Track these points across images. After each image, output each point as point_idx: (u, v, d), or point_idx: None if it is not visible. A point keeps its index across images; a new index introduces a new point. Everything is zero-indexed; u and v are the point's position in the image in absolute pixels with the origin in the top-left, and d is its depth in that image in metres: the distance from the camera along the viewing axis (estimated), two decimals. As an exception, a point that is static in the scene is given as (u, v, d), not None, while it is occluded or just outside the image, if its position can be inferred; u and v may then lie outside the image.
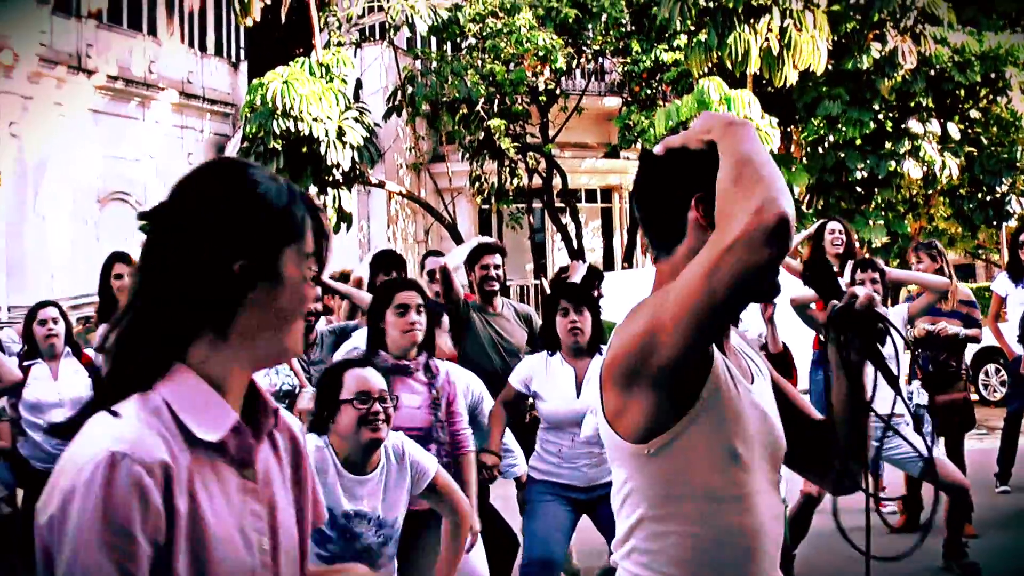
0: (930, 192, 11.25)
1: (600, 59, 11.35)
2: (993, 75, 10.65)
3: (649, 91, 10.44)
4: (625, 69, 10.38)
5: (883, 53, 10.01)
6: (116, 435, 0.90)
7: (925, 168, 10.25)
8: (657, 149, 1.26)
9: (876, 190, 10.45)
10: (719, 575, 1.19)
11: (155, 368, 0.97)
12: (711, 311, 1.08)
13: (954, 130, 10.49)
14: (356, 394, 2.20)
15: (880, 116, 10.25)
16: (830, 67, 9.73)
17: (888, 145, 10.25)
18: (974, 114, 11.23)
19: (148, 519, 0.88)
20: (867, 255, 6.06)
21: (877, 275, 3.94)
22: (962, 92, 10.86)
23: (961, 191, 11.28)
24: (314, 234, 1.03)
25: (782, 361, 4.20)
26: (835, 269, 4.32)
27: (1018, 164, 10.98)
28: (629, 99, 10.95)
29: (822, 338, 4.57)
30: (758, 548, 1.20)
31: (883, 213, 10.46)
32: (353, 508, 2.23)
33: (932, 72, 10.37)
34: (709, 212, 1.16)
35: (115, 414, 0.93)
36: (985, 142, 11.30)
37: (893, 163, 10.15)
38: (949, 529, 3.83)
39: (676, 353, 1.11)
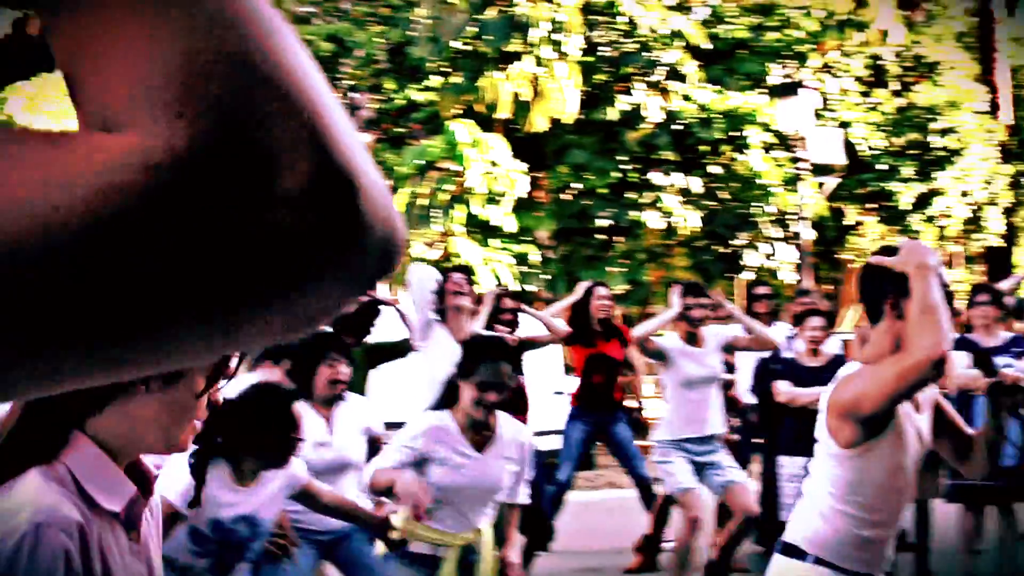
0: (670, 243, 13.80)
1: (353, 95, 12.85)
2: (735, 133, 13.33)
3: (400, 129, 12.10)
4: (378, 107, 11.98)
5: (631, 106, 12.33)
6: (36, 505, 1.25)
7: (666, 220, 12.68)
8: (873, 261, 2.79)
9: (618, 239, 12.78)
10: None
11: (59, 439, 1.32)
12: (896, 398, 2.56)
13: (696, 184, 13.00)
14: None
15: (625, 167, 12.56)
16: (580, 116, 11.87)
17: (631, 195, 12.58)
18: (715, 169, 13.91)
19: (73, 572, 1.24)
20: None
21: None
22: (704, 147, 13.49)
23: (699, 243, 13.92)
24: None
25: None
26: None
27: (755, 219, 13.72)
28: (381, 136, 12.56)
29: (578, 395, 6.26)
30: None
31: (623, 261, 12.80)
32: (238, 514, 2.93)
33: (677, 127, 12.86)
34: (896, 307, 2.67)
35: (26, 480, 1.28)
36: (725, 196, 14.00)
37: (635, 213, 12.47)
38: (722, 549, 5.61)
39: (875, 413, 2.64)
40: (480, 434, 3.59)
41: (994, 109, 22.17)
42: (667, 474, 5.51)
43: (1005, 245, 18.92)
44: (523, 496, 3.85)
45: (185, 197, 0.33)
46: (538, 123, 11.23)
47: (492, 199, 10.90)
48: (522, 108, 11.15)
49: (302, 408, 2.99)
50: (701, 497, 5.46)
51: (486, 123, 11.24)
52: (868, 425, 2.69)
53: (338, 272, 0.37)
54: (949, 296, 2.67)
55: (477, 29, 11.08)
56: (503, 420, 3.67)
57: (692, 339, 5.51)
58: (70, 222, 0.32)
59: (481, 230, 11.32)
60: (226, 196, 0.33)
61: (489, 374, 3.46)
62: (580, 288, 6.22)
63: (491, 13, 11.08)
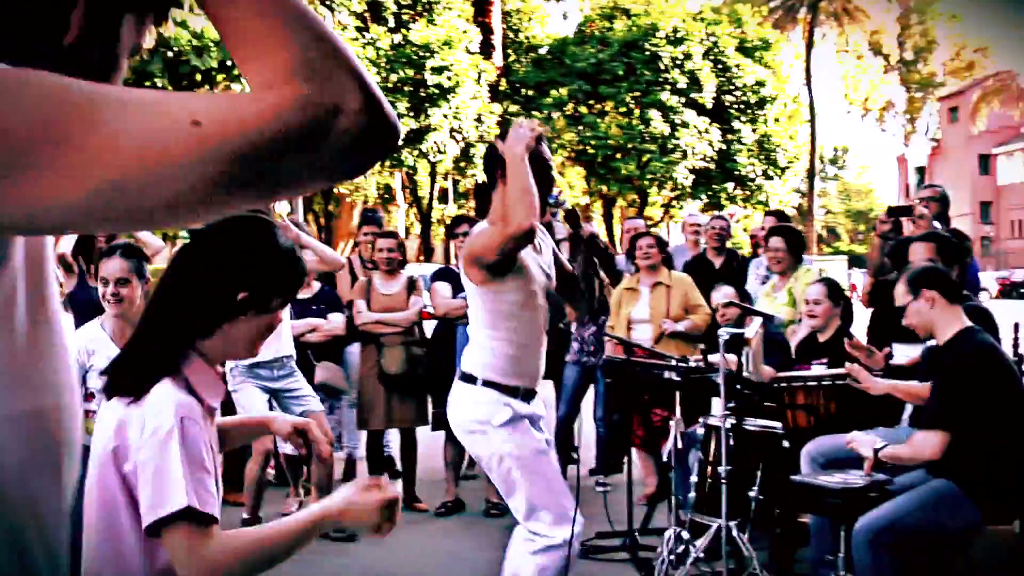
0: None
1: None
2: (229, 62, 15.08)
3: None
4: None
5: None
6: (177, 406, 2.01)
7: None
8: (491, 139, 4.22)
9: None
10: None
11: (180, 357, 2.10)
12: (504, 252, 3.82)
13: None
14: None
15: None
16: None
17: (122, 123, 13.99)
18: (210, 98, 15.70)
19: (209, 450, 2.04)
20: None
21: None
22: (199, 76, 15.19)
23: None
24: (295, 285, 2.25)
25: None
26: None
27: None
28: None
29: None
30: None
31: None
32: None
33: (169, 53, 14.39)
34: (503, 178, 3.80)
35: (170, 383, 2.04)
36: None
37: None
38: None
39: (493, 262, 3.82)
40: None
41: (487, 50, 26.17)
42: (240, 405, 6.31)
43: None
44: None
45: (306, 118, 0.89)
46: (21, 43, 12.20)
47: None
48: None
49: None
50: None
51: None
52: (492, 269, 3.92)
53: (382, 148, 0.95)
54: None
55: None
56: None
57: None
58: (256, 129, 0.88)
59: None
60: (325, 115, 0.89)
61: None
62: None
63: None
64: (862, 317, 7.06)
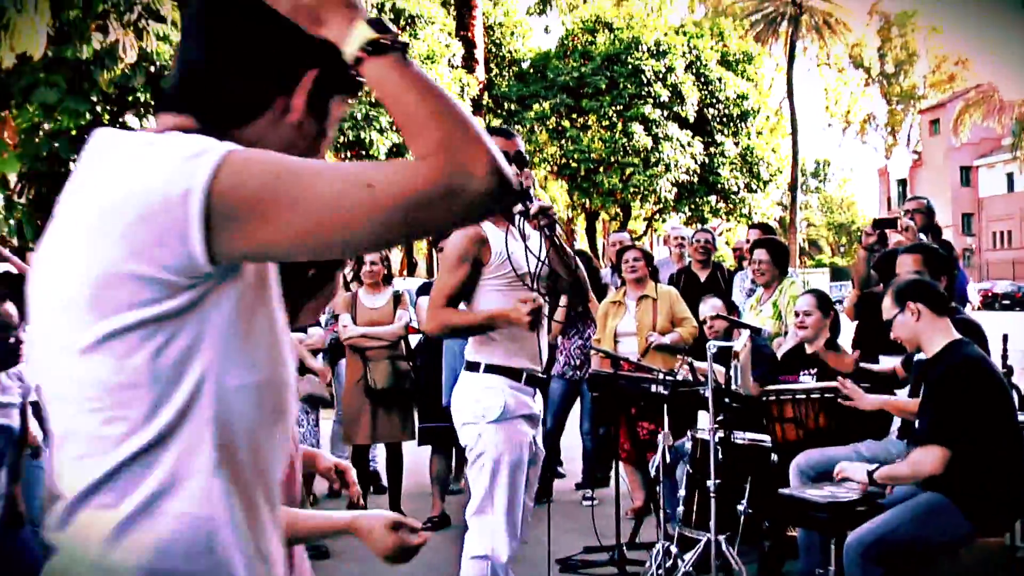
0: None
1: None
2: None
3: None
4: None
5: (104, 45, 13.65)
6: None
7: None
8: None
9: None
10: None
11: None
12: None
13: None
14: None
15: (98, 108, 13.93)
16: (49, 54, 12.98)
17: (105, 138, 13.98)
18: (192, 113, 15.71)
19: None
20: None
21: None
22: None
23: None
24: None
25: None
26: None
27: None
28: None
29: None
30: None
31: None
32: None
33: (152, 68, 14.41)
34: None
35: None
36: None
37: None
38: None
39: None
40: None
41: (469, 64, 26.26)
42: None
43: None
44: None
45: (450, 182, 1.30)
46: (5, 59, 12.17)
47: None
48: (-17, 41, 12.04)
49: None
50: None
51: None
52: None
53: (503, 200, 1.36)
54: None
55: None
56: None
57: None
58: (413, 190, 1.30)
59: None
60: (463, 179, 1.30)
61: None
62: None
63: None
64: (847, 329, 7.07)
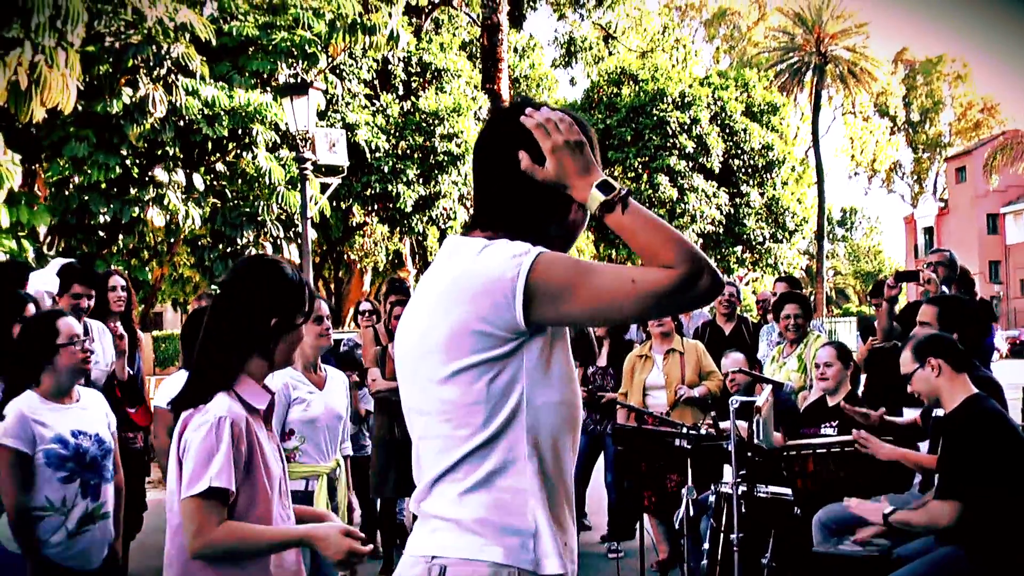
0: (173, 240, 15.64)
1: None
2: (241, 131, 15.37)
3: None
4: None
5: (134, 99, 13.93)
6: (224, 411, 2.80)
7: (169, 216, 14.46)
8: None
9: (120, 235, 14.39)
10: None
11: (233, 378, 2.90)
12: None
13: (199, 181, 14.91)
14: (70, 338, 4.22)
15: (127, 162, 14.17)
16: (79, 108, 13.25)
17: (133, 191, 14.20)
18: (220, 167, 15.93)
19: (241, 450, 2.79)
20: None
21: None
22: (210, 145, 15.45)
23: (203, 241, 15.91)
24: (310, 300, 3.06)
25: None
26: None
27: (259, 217, 15.89)
28: None
29: None
30: None
31: (125, 258, 14.46)
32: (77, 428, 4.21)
33: (181, 122, 14.66)
34: None
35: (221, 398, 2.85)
36: (230, 195, 16.04)
37: (137, 209, 14.11)
38: None
39: None
40: (316, 374, 5.03)
41: (495, 116, 26.48)
42: None
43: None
44: (348, 448, 5.29)
45: (684, 283, 2.03)
46: (36, 113, 12.45)
47: (-17, 191, 11.96)
48: (19, 96, 12.32)
49: None
50: None
51: (-22, 111, 12.29)
52: None
53: (716, 293, 2.08)
54: None
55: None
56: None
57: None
58: (662, 287, 2.05)
59: (-31, 223, 12.32)
60: (691, 280, 2.03)
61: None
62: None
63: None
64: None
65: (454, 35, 28.04)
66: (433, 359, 2.18)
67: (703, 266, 2.04)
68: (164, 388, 5.43)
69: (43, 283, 6.54)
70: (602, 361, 8.61)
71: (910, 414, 5.94)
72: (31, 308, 5.48)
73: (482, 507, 2.14)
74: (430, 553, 2.17)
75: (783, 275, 15.78)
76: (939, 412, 4.88)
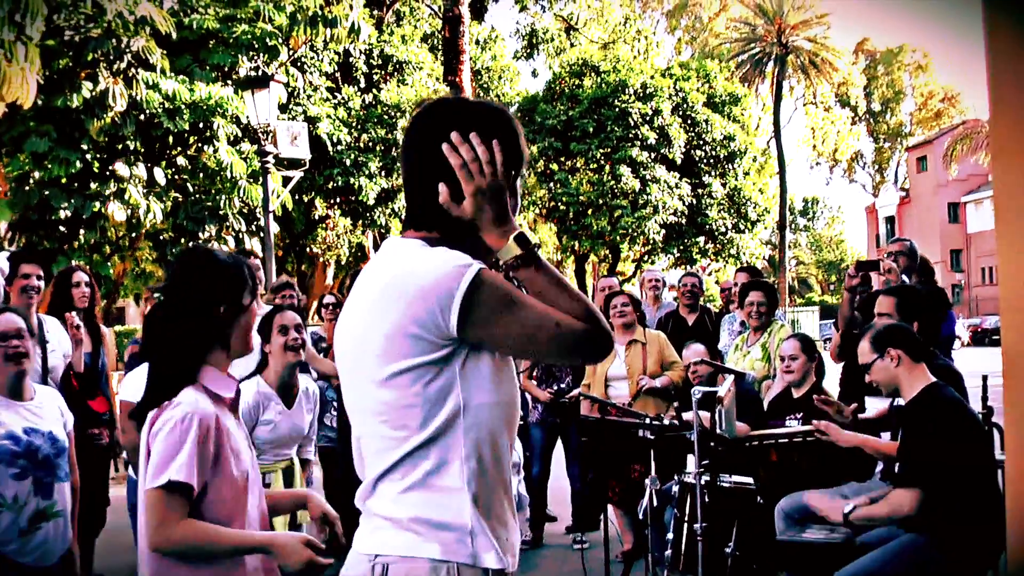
0: (135, 235, 15.52)
1: None
2: (202, 124, 15.26)
3: None
4: None
5: (94, 93, 13.78)
6: (194, 406, 2.77)
7: (130, 211, 14.34)
8: None
9: (81, 230, 14.26)
10: None
11: (197, 371, 2.88)
12: None
13: (160, 175, 14.79)
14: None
15: (88, 156, 14.03)
16: (39, 103, 13.11)
17: (94, 186, 14.06)
18: (182, 161, 15.79)
19: (208, 447, 2.76)
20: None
21: None
22: (171, 139, 15.34)
23: (165, 235, 15.78)
24: (251, 278, 2.98)
25: None
26: None
27: (221, 212, 15.77)
28: None
29: None
30: None
31: (87, 253, 14.34)
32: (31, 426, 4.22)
33: (142, 116, 14.51)
34: None
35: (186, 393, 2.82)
36: (191, 189, 15.91)
37: (98, 204, 13.97)
38: None
39: None
40: (291, 391, 5.34)
41: (458, 109, 26.40)
42: None
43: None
44: (310, 453, 5.59)
45: (588, 334, 2.20)
46: (-5, 108, 12.33)
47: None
48: (-24, 91, 12.19)
49: None
50: None
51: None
52: None
53: (606, 352, 2.27)
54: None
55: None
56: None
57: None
58: (577, 332, 2.20)
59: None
60: (593, 332, 2.20)
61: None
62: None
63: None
64: (832, 371, 7.20)
65: (416, 27, 27.98)
66: (370, 361, 2.22)
67: (602, 324, 2.21)
68: (128, 381, 5.44)
69: None
70: None
71: (873, 403, 6.01)
72: None
73: (418, 506, 2.19)
74: (373, 552, 2.23)
75: (744, 265, 15.87)
76: (900, 402, 4.95)
